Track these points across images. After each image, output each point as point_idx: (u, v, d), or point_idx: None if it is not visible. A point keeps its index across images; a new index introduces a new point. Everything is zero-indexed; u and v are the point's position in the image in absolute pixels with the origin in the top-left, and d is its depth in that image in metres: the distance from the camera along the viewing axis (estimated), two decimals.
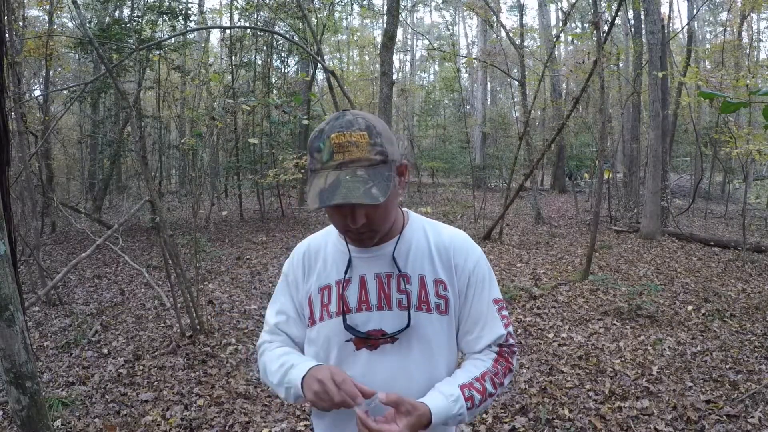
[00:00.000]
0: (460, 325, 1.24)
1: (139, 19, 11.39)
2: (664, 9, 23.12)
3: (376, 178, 1.03)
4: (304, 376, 1.12)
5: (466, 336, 1.24)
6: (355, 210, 1.07)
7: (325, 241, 1.28)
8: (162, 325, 4.93)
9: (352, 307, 1.19)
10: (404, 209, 1.28)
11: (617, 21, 9.44)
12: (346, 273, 1.20)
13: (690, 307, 5.21)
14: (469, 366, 1.20)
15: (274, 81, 14.01)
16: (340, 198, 1.00)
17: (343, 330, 1.18)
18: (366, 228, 1.10)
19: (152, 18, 11.05)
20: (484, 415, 3.13)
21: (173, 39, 11.36)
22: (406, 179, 1.17)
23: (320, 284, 1.24)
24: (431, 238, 1.23)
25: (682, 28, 16.88)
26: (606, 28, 7.48)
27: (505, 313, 1.24)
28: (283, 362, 1.20)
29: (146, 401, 3.39)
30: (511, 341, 1.24)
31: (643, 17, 11.07)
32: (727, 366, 3.77)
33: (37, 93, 12.49)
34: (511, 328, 1.25)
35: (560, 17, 22.36)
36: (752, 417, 3.02)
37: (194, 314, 4.51)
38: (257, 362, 1.33)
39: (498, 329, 1.21)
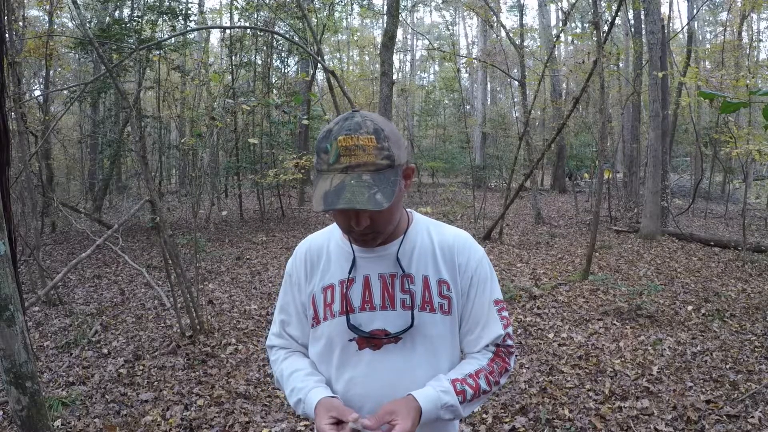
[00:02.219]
0: (461, 324, 1.24)
1: (139, 19, 11.39)
2: (664, 9, 23.11)
3: (382, 184, 1.03)
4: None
5: (466, 336, 1.24)
6: (360, 213, 1.07)
7: (328, 240, 1.28)
8: (162, 325, 4.93)
9: (356, 307, 1.19)
10: (408, 209, 1.28)
11: (617, 21, 9.44)
12: (350, 272, 1.20)
13: (690, 307, 5.21)
14: (464, 364, 1.21)
15: (274, 81, 14.00)
16: (344, 203, 1.00)
17: (347, 329, 1.18)
18: (369, 230, 1.10)
19: (152, 18, 11.05)
20: (484, 415, 3.13)
21: (173, 39, 11.36)
22: (411, 181, 1.17)
23: (324, 284, 1.24)
24: (435, 238, 1.24)
25: (682, 28, 16.90)
26: (606, 28, 7.48)
27: (505, 314, 1.24)
28: (292, 388, 1.22)
29: (146, 401, 3.39)
30: (510, 342, 1.24)
31: (643, 17, 11.07)
32: (727, 366, 3.77)
33: (37, 93, 12.49)
34: (510, 329, 1.24)
35: (560, 17, 22.35)
36: (752, 417, 3.02)
37: (194, 314, 4.51)
38: (271, 364, 1.35)
39: (497, 330, 1.21)
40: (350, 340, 1.19)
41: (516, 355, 1.28)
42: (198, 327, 4.54)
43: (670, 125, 11.68)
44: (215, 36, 20.48)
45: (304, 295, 1.27)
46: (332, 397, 1.16)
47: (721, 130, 11.53)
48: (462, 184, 19.41)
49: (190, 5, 12.74)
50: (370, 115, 1.09)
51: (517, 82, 12.05)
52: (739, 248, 7.75)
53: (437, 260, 1.21)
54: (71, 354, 4.23)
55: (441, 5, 25.62)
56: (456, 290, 1.21)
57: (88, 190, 14.09)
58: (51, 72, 12.44)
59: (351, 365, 1.19)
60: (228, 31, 12.89)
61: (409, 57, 31.31)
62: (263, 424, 3.10)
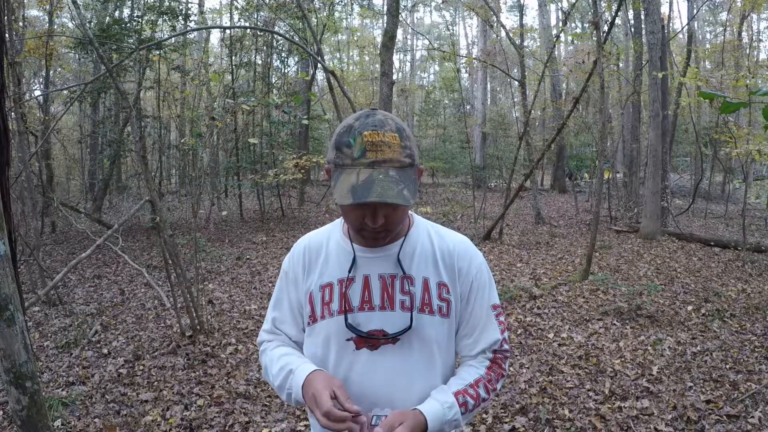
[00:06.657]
0: (459, 328, 1.25)
1: (139, 19, 11.39)
2: (664, 9, 23.11)
3: (406, 180, 1.05)
4: (303, 384, 1.13)
5: (464, 339, 1.25)
6: (377, 210, 1.07)
7: (328, 239, 1.28)
8: (162, 325, 4.93)
9: (355, 307, 1.19)
10: (409, 211, 1.29)
11: (617, 21, 9.44)
12: (349, 272, 1.20)
13: (690, 307, 5.21)
14: (463, 373, 1.22)
15: (274, 81, 14.00)
16: (376, 196, 1.00)
17: (344, 329, 1.18)
18: (382, 228, 1.11)
19: (152, 18, 11.05)
20: (484, 415, 3.13)
21: (173, 39, 11.36)
22: (420, 181, 1.19)
23: (322, 282, 1.23)
24: (435, 242, 1.25)
25: (682, 28, 16.89)
26: (606, 28, 7.48)
27: (502, 318, 1.27)
28: (282, 365, 1.20)
29: (146, 401, 3.39)
30: (506, 347, 1.26)
31: (643, 17, 11.06)
32: (727, 366, 3.77)
33: (37, 93, 12.50)
34: (507, 334, 1.27)
35: (560, 17, 22.36)
36: (752, 417, 3.02)
37: (194, 314, 4.51)
38: (259, 360, 1.35)
39: (494, 334, 1.24)
40: (348, 340, 1.19)
41: (510, 359, 1.30)
42: (198, 327, 4.54)
43: (670, 125, 11.67)
44: (215, 36, 20.50)
45: (300, 293, 1.27)
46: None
47: (721, 130, 11.54)
48: (462, 184, 19.41)
49: (190, 5, 12.75)
50: (389, 114, 1.10)
51: (517, 82, 12.05)
52: (739, 248, 7.75)
53: (438, 263, 1.22)
54: (71, 354, 4.23)
55: (441, 5, 25.61)
56: (455, 294, 1.22)
57: (88, 190, 14.08)
58: (51, 72, 12.45)
59: (348, 365, 1.19)
60: (228, 31, 12.89)
61: (409, 57, 31.33)
62: (263, 424, 3.10)
